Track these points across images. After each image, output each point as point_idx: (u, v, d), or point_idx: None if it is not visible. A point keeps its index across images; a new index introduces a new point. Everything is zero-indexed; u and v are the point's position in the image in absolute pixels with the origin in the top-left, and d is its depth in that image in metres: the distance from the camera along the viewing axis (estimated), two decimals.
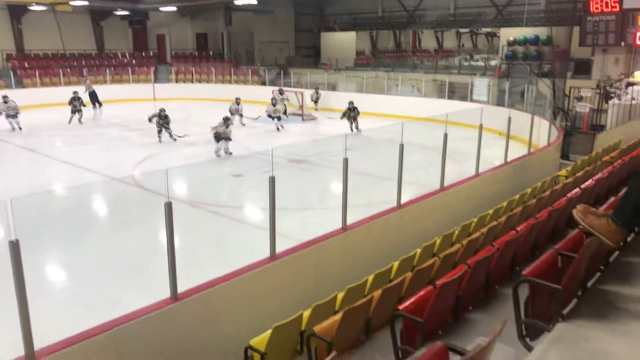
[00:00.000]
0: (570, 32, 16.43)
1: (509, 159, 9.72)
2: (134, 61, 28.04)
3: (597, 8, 17.07)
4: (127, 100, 24.06)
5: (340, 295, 4.57)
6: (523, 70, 19.66)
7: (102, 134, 17.63)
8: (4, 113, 16.78)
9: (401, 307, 3.40)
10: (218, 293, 4.78)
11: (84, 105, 18.92)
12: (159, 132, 15.12)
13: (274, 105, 17.98)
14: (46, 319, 5.27)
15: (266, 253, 5.33)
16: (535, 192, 7.83)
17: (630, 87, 14.53)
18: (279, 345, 4.05)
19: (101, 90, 22.60)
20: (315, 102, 22.60)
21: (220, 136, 13.18)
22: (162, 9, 27.51)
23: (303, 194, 10.85)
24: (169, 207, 4.33)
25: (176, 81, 27.35)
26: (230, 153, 13.35)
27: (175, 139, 15.19)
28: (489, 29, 29.44)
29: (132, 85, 25.91)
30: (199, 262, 6.60)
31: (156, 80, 26.89)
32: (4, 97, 16.92)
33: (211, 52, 30.65)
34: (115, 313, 4.22)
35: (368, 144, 15.70)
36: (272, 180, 5.17)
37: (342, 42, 30.26)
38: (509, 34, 22.85)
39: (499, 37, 25.31)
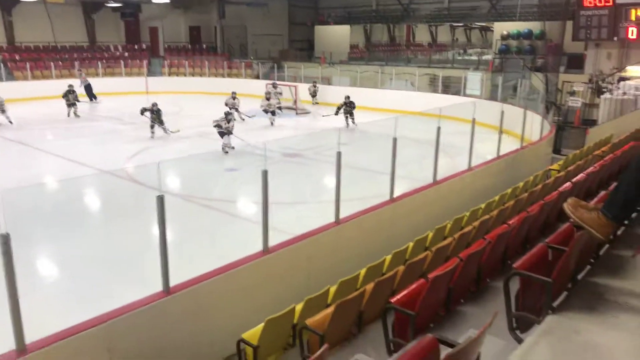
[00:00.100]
0: (563, 27, 16.50)
1: (501, 153, 9.76)
2: (126, 54, 27.82)
3: (590, 2, 17.13)
4: (120, 93, 23.89)
5: (332, 289, 4.58)
6: (516, 64, 19.73)
7: (94, 127, 17.51)
8: None
9: (393, 300, 3.41)
10: (210, 287, 4.78)
11: (78, 101, 18.70)
12: (152, 126, 14.99)
13: (268, 99, 17.91)
14: (37, 312, 5.24)
15: (259, 247, 5.33)
16: (527, 186, 7.87)
17: (622, 82, 14.60)
18: (271, 338, 4.06)
19: (93, 83, 22.41)
20: (313, 95, 22.42)
21: (224, 131, 13.03)
22: (154, 1, 27.27)
23: (297, 188, 10.85)
24: (160, 200, 4.32)
25: (169, 74, 27.18)
26: (233, 147, 13.21)
27: (168, 134, 15.09)
28: (482, 23, 29.44)
29: (124, 79, 25.72)
30: (191, 256, 6.60)
31: (149, 73, 26.70)
32: None
33: (204, 45, 30.47)
34: (107, 307, 4.21)
35: (362, 138, 15.71)
36: (265, 174, 5.17)
37: (336, 35, 30.18)
38: (502, 28, 22.88)
39: (492, 31, 25.34)
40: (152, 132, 14.98)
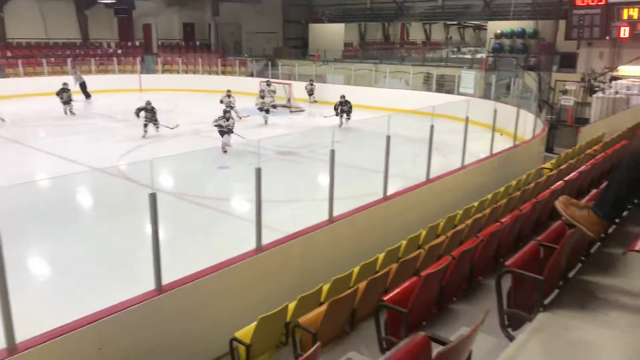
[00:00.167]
0: (556, 26, 16.57)
1: (494, 152, 9.80)
2: (119, 51, 27.66)
3: (582, 2, 17.22)
4: (113, 90, 23.74)
5: (325, 287, 4.58)
6: (509, 63, 19.81)
7: (87, 124, 17.39)
8: None
9: (386, 298, 3.42)
10: (203, 285, 4.77)
11: (71, 100, 18.45)
12: (145, 125, 14.77)
13: (262, 97, 17.86)
14: (29, 311, 5.21)
15: (252, 245, 5.32)
16: (520, 184, 7.90)
17: (614, 81, 14.69)
18: (264, 336, 4.06)
19: (86, 81, 22.28)
20: (310, 94, 22.20)
21: (225, 130, 12.89)
22: None
23: (290, 186, 10.83)
24: (153, 198, 4.30)
25: (162, 72, 27.05)
26: (230, 145, 13.09)
27: (158, 128, 14.84)
28: (476, 22, 29.53)
29: (117, 76, 25.56)
30: (184, 254, 6.57)
31: (142, 70, 26.56)
32: None
33: (198, 43, 30.36)
34: (98, 305, 4.19)
35: (355, 136, 15.71)
36: (258, 172, 5.16)
37: (330, 33, 30.16)
38: (496, 26, 22.96)
39: (486, 29, 25.43)
40: (145, 131, 14.79)
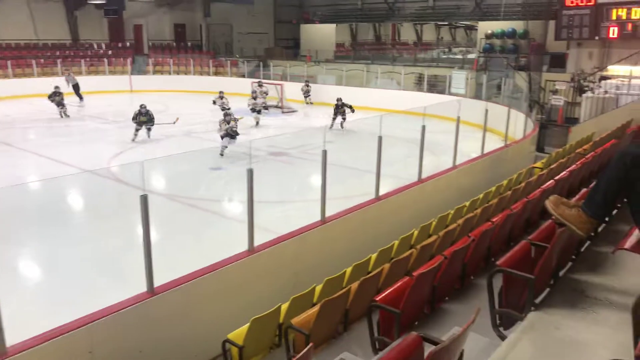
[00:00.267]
0: (546, 26, 16.69)
1: (485, 151, 9.85)
2: (110, 52, 27.50)
3: (572, 2, 17.35)
4: (104, 92, 23.61)
5: (318, 288, 4.58)
6: (500, 63, 19.91)
7: (77, 126, 17.26)
8: None
9: (378, 298, 3.42)
10: (195, 287, 4.75)
11: (63, 104, 18.18)
12: (137, 130, 14.23)
13: (254, 98, 17.82)
14: (18, 314, 5.16)
15: (244, 246, 5.31)
16: (511, 183, 7.95)
17: (603, 81, 14.82)
18: (257, 338, 4.05)
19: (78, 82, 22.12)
20: (306, 95, 21.96)
21: (230, 133, 12.56)
22: None
23: (283, 186, 10.82)
24: (144, 200, 4.28)
25: (153, 72, 26.92)
26: (226, 147, 12.85)
27: (150, 132, 14.60)
28: (467, 22, 29.67)
29: (108, 77, 25.42)
30: (176, 256, 6.54)
31: (133, 71, 26.42)
32: None
33: (189, 43, 30.25)
34: (89, 308, 4.16)
35: (348, 136, 15.72)
36: (250, 172, 5.15)
37: (321, 34, 30.17)
38: (486, 27, 23.07)
39: (477, 30, 25.54)
40: (135, 135, 14.27)
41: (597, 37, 17.20)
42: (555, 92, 15.37)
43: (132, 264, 5.29)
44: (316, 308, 3.92)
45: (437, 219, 6.36)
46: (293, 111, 20.78)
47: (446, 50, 31.57)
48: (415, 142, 7.96)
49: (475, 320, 2.26)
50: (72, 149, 13.79)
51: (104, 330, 4.10)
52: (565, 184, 5.87)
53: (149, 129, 14.49)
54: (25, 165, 12.40)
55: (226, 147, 12.60)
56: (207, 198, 10.20)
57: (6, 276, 6.54)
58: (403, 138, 11.66)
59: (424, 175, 7.99)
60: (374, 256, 5.29)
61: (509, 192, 6.80)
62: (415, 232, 5.97)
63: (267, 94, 20.01)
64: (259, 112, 17.43)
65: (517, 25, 21.87)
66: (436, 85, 20.74)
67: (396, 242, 5.61)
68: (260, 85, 20.25)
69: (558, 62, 19.20)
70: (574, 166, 6.41)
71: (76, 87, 21.36)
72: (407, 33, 34.23)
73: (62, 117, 17.83)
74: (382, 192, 7.12)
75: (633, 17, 16.34)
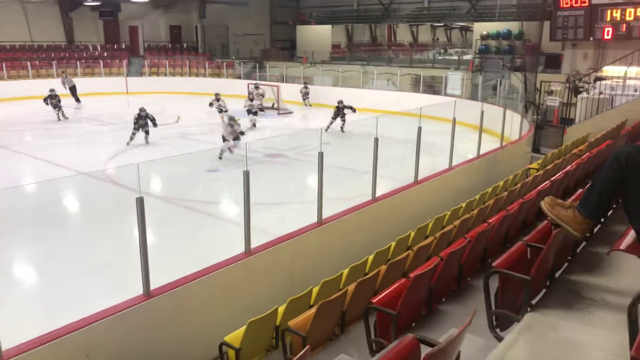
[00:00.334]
0: (540, 27, 16.72)
1: (481, 152, 9.87)
2: (105, 53, 27.44)
3: (566, 3, 17.41)
4: (99, 93, 23.55)
5: (315, 290, 4.58)
6: (496, 64, 19.96)
7: (74, 128, 17.20)
8: None
9: (374, 300, 3.42)
10: (192, 289, 4.74)
11: (60, 106, 18.01)
12: (133, 134, 13.99)
13: (251, 100, 17.80)
14: (13, 318, 5.15)
15: (241, 248, 5.30)
16: (507, 184, 7.97)
17: (598, 82, 14.87)
18: (253, 340, 4.04)
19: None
20: (305, 97, 21.77)
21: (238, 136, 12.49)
22: (134, 0, 26.92)
23: (279, 188, 10.81)
24: (140, 202, 4.27)
25: (149, 74, 26.87)
26: (228, 150, 12.73)
27: (147, 138, 14.36)
28: (462, 23, 29.75)
29: (104, 79, 25.36)
30: (172, 258, 6.53)
31: (129, 73, 26.37)
32: None
33: (185, 45, 30.20)
34: (86, 311, 4.15)
35: (344, 137, 15.72)
36: (247, 174, 5.14)
37: (317, 35, 30.19)
38: (482, 28, 23.15)
39: (472, 31, 25.61)
40: (131, 138, 14.06)
41: (591, 38, 17.27)
42: (550, 92, 15.40)
43: (129, 266, 5.28)
44: (313, 310, 3.92)
45: (433, 220, 6.37)
46: (289, 112, 20.77)
47: (442, 51, 31.63)
48: (412, 143, 7.96)
49: (472, 321, 2.26)
50: (68, 151, 13.75)
51: (100, 334, 4.08)
52: (560, 184, 5.89)
53: (146, 132, 14.21)
54: (20, 167, 12.35)
55: (228, 150, 12.48)
56: (203, 200, 10.18)
57: (1, 279, 6.51)
58: (399, 139, 11.66)
59: (420, 177, 8.00)
60: (370, 258, 5.30)
61: (505, 193, 6.82)
62: (412, 234, 5.98)
63: (263, 96, 20.00)
64: (255, 113, 17.41)
65: (513, 26, 21.95)
66: (432, 86, 20.78)
67: (393, 244, 5.62)
68: (257, 88, 20.25)
69: (553, 63, 19.26)
70: (569, 167, 6.43)
71: (73, 90, 21.26)
72: (403, 34, 34.28)
73: (60, 119, 17.68)
74: (378, 193, 7.12)
75: (627, 18, 16.41)
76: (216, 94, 17.75)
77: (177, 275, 4.78)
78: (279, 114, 20.44)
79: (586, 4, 16.99)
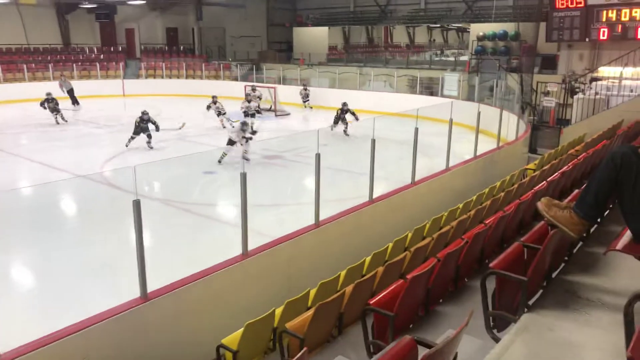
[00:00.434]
0: (537, 28, 16.78)
1: (478, 153, 9.88)
2: (102, 56, 27.39)
3: (562, 4, 17.47)
4: (96, 96, 23.48)
5: (312, 291, 4.58)
6: (492, 65, 20.00)
7: (70, 131, 17.15)
8: None
9: (372, 301, 3.42)
10: (189, 292, 4.73)
11: (58, 110, 17.80)
12: (132, 138, 13.71)
13: (248, 102, 17.79)
14: (11, 321, 5.13)
15: (238, 250, 5.30)
16: (504, 185, 7.98)
17: (594, 82, 14.92)
18: (251, 343, 4.04)
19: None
20: (305, 99, 21.59)
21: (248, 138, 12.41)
22: (130, 2, 26.91)
23: (277, 190, 10.81)
24: (137, 205, 4.27)
25: (146, 77, 26.84)
26: (225, 154, 12.62)
27: (150, 144, 13.99)
28: (459, 24, 29.83)
29: (100, 81, 25.31)
30: (170, 261, 6.52)
31: (125, 75, 26.33)
32: None
33: (182, 47, 30.19)
34: (83, 314, 4.14)
35: (341, 139, 15.73)
36: (244, 176, 5.14)
37: (314, 37, 30.21)
38: (478, 29, 23.19)
39: (469, 32, 25.67)
40: (130, 141, 13.78)
41: (587, 39, 17.33)
42: (546, 93, 15.44)
43: (126, 269, 5.27)
44: (310, 312, 3.92)
45: (430, 221, 6.38)
46: (286, 114, 20.77)
47: (438, 52, 31.71)
48: (409, 144, 7.98)
49: (469, 322, 2.27)
50: (65, 153, 13.70)
51: (97, 336, 4.07)
52: (557, 185, 5.90)
53: (149, 136, 13.88)
54: (17, 170, 12.32)
55: (243, 159, 12.18)
56: (200, 202, 10.17)
57: None
58: (396, 140, 11.69)
59: (417, 178, 8.01)
60: (368, 259, 5.30)
61: (502, 194, 6.83)
62: (409, 235, 5.98)
63: (260, 99, 19.99)
64: (252, 115, 17.38)
65: (509, 27, 22.00)
66: (429, 88, 20.80)
67: (390, 245, 5.62)
68: (254, 90, 20.24)
69: (549, 63, 19.32)
70: (565, 167, 6.45)
71: (71, 92, 21.20)
72: (400, 35, 34.37)
73: (58, 122, 17.47)
74: (375, 194, 7.13)
75: (623, 18, 16.48)
76: (213, 97, 17.71)
77: (174, 277, 4.77)
78: (276, 115, 20.44)
79: (582, 5, 17.06)
